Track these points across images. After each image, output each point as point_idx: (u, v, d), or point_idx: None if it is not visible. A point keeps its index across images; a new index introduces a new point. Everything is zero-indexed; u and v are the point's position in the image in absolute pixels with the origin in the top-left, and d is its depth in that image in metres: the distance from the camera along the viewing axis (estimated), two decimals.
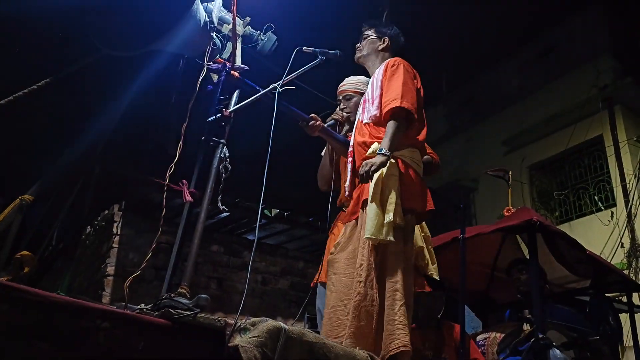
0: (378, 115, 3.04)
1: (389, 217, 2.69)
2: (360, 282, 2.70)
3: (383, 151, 2.77)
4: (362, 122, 3.15)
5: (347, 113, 3.62)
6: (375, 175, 2.77)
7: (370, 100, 3.12)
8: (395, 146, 2.85)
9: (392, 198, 2.75)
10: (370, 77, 3.29)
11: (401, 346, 2.58)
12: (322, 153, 3.79)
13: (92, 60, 2.72)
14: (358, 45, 3.38)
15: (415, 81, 3.08)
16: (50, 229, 3.75)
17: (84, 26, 2.57)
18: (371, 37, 3.33)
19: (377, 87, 3.08)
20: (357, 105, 3.50)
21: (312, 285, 3.62)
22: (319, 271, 3.51)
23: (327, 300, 2.91)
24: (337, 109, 3.70)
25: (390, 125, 2.87)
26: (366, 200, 2.83)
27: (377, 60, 3.29)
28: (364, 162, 2.79)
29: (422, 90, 3.12)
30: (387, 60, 3.18)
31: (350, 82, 3.69)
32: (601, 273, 4.40)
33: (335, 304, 2.80)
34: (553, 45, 11.51)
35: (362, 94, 3.47)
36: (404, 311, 2.67)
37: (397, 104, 2.88)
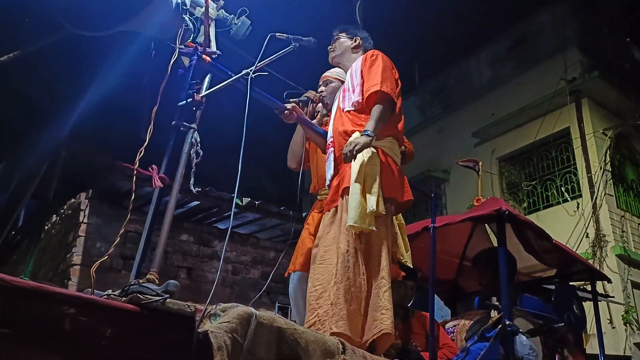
0: (360, 101, 3.07)
1: (372, 206, 2.72)
2: (349, 267, 2.73)
3: (368, 132, 2.79)
4: (342, 110, 3.17)
5: (323, 96, 3.62)
6: (357, 164, 2.79)
7: (351, 89, 3.15)
8: (379, 129, 2.88)
9: (374, 187, 2.78)
10: None
11: (382, 329, 2.63)
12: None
13: (56, 38, 2.62)
14: (330, 47, 3.45)
15: (393, 71, 3.15)
16: (14, 213, 3.65)
17: (49, 3, 2.47)
18: (342, 38, 3.43)
19: (357, 76, 3.14)
20: (335, 89, 3.55)
21: (285, 275, 3.61)
22: (293, 261, 3.51)
23: (308, 289, 2.94)
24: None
25: (375, 109, 2.92)
26: (346, 188, 2.85)
27: (351, 57, 3.37)
28: (348, 142, 2.80)
29: (399, 82, 3.17)
30: (366, 52, 3.25)
31: (333, 70, 3.73)
32: (567, 262, 4.48)
33: (309, 290, 2.84)
34: (523, 38, 11.66)
35: (342, 82, 3.51)
36: (388, 296, 2.73)
37: (377, 88, 2.94)
